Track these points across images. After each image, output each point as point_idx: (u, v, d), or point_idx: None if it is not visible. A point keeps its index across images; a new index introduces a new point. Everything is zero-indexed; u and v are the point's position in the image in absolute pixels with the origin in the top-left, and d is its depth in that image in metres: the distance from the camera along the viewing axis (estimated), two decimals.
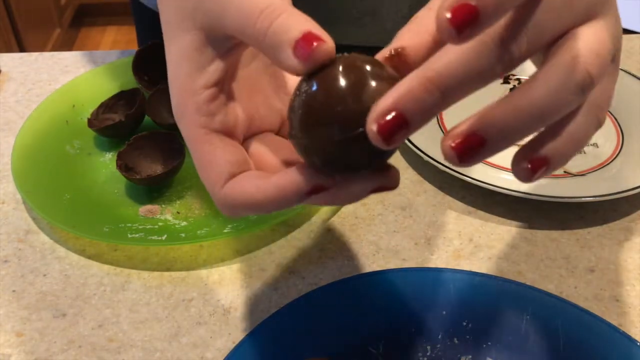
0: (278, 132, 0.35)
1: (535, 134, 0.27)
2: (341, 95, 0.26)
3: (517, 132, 0.25)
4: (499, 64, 0.24)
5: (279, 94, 0.35)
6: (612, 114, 0.62)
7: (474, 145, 0.25)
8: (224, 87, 0.31)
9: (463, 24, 0.22)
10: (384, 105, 0.24)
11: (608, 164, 0.55)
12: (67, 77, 0.69)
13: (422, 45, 0.28)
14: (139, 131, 0.56)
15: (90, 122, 0.58)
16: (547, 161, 0.27)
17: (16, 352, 0.42)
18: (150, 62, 0.63)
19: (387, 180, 0.28)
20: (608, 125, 0.60)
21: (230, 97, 0.32)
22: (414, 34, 0.28)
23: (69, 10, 2.63)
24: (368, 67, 0.26)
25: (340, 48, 0.27)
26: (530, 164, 0.27)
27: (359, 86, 0.26)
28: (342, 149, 0.26)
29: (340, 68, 0.26)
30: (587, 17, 0.26)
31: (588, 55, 0.25)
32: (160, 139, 0.54)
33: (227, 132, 0.32)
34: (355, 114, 0.25)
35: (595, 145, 0.58)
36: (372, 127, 0.24)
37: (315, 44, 0.26)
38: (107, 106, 0.60)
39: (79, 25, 2.76)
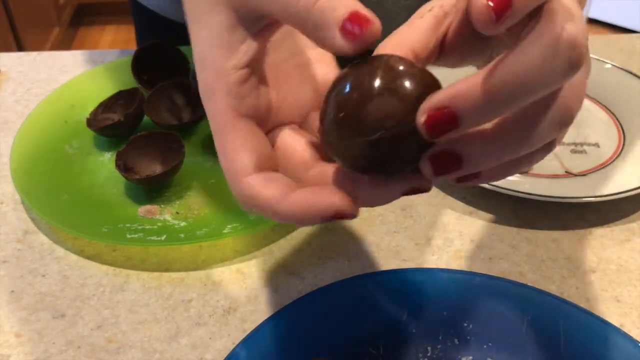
0: (301, 126, 0.34)
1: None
2: (382, 95, 0.25)
3: (491, 159, 0.26)
4: (569, 70, 0.24)
5: (304, 86, 0.34)
6: (613, 113, 0.61)
7: (452, 164, 0.26)
8: (254, 70, 0.30)
9: (501, 11, 0.23)
10: (439, 98, 0.24)
11: (609, 164, 0.55)
12: (66, 77, 0.69)
13: (414, 45, 0.28)
14: (138, 131, 0.56)
15: (89, 122, 0.58)
16: (477, 175, 0.28)
17: (15, 353, 0.42)
18: (149, 62, 0.62)
19: (421, 182, 0.28)
20: (609, 124, 0.60)
21: (261, 81, 0.31)
22: (398, 46, 0.28)
23: (67, 10, 2.63)
24: (407, 68, 0.26)
25: None
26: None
27: (400, 86, 0.26)
28: (379, 150, 0.26)
29: (381, 67, 0.26)
30: None
31: (573, 96, 0.25)
32: (159, 139, 0.54)
33: (257, 118, 0.30)
34: (397, 113, 0.25)
35: (597, 145, 0.58)
36: (421, 117, 0.25)
37: (365, 24, 0.25)
38: (106, 106, 0.59)
39: (78, 25, 2.76)
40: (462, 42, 0.30)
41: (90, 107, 0.60)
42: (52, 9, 2.47)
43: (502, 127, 0.25)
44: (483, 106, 0.24)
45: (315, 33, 0.26)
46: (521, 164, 0.28)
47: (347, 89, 0.26)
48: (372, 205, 0.29)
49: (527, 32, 0.24)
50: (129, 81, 0.63)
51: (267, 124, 0.32)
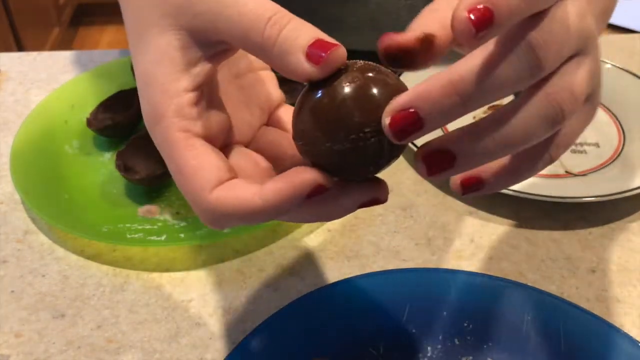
0: (247, 145, 0.34)
1: None
2: (352, 102, 0.26)
3: (482, 156, 0.26)
4: (527, 73, 0.25)
5: (250, 106, 0.34)
6: (613, 113, 0.61)
7: (444, 162, 0.26)
8: (205, 92, 0.30)
9: (481, 24, 0.23)
10: (401, 101, 0.25)
11: (609, 164, 0.55)
12: (66, 77, 0.69)
13: (445, 38, 0.28)
14: (138, 131, 0.56)
15: (89, 122, 0.58)
16: (480, 181, 0.28)
17: (15, 353, 0.41)
18: None
19: (380, 193, 0.29)
20: (609, 124, 0.60)
21: (210, 103, 0.31)
22: (440, 25, 0.28)
23: (67, 10, 2.63)
24: (376, 75, 0.26)
25: None
26: (462, 181, 0.28)
27: (369, 93, 0.26)
28: (351, 155, 0.26)
29: (349, 75, 0.26)
30: (575, 53, 0.26)
31: (562, 92, 0.26)
32: None
33: (208, 139, 0.30)
34: (365, 121, 0.26)
35: (597, 145, 0.58)
36: (386, 119, 0.25)
37: (331, 49, 0.26)
38: (106, 106, 0.59)
39: (78, 25, 2.76)
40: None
41: (90, 107, 0.60)
42: (52, 9, 2.46)
43: (489, 122, 0.26)
44: (444, 105, 0.24)
45: (281, 60, 0.27)
46: (521, 171, 0.28)
47: (318, 96, 0.27)
48: (330, 218, 0.29)
49: None
50: (128, 81, 0.63)
51: (218, 144, 0.31)
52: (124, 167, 0.52)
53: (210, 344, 0.42)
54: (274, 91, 0.35)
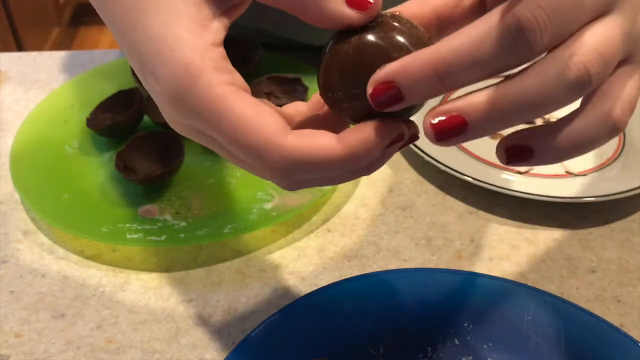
0: None
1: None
2: (389, 50, 0.26)
3: (500, 119, 0.25)
4: (514, 55, 0.24)
5: None
6: None
7: (456, 126, 0.25)
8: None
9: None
10: (382, 73, 0.25)
11: (610, 164, 0.55)
12: (66, 77, 0.69)
13: (425, 17, 0.28)
14: (138, 131, 0.56)
15: (89, 122, 0.58)
16: (530, 152, 0.26)
17: (15, 353, 0.41)
18: None
19: (416, 129, 0.28)
20: None
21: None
22: (417, 5, 0.28)
23: (67, 10, 2.63)
24: (405, 26, 0.27)
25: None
26: (506, 151, 0.27)
27: (400, 43, 0.26)
28: None
29: (378, 25, 0.27)
30: (597, 14, 0.25)
31: (589, 52, 0.24)
32: (159, 139, 0.54)
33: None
34: None
35: None
36: (369, 88, 0.25)
37: None
38: (106, 106, 0.59)
39: (78, 25, 2.76)
40: (481, 9, 0.29)
41: (90, 107, 0.60)
42: (52, 9, 2.46)
43: (504, 85, 0.25)
44: (423, 83, 0.24)
45: (317, 7, 0.26)
46: (579, 143, 0.26)
47: (345, 44, 0.27)
48: (373, 165, 0.28)
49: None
50: (129, 81, 0.63)
51: None
52: (124, 167, 0.52)
53: (210, 344, 0.42)
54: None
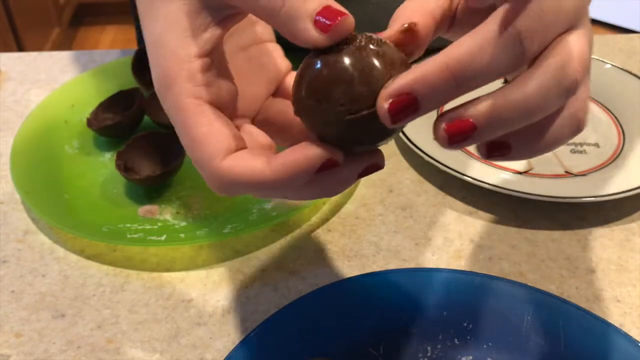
0: (253, 120, 0.34)
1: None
2: (358, 74, 0.26)
3: (505, 123, 0.26)
4: (514, 60, 0.25)
5: (257, 78, 0.34)
6: (613, 113, 0.61)
7: (466, 130, 0.26)
8: (215, 60, 0.30)
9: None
10: (399, 85, 0.25)
11: (609, 164, 0.55)
12: (66, 77, 0.69)
13: (427, 24, 0.29)
14: (138, 131, 0.56)
15: (90, 122, 0.58)
16: (508, 148, 0.28)
17: (15, 353, 0.41)
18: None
19: (378, 158, 0.29)
20: (609, 125, 0.60)
21: (220, 71, 0.30)
22: (419, 13, 0.28)
23: (67, 10, 2.63)
24: (381, 48, 0.27)
25: None
26: (487, 144, 0.28)
27: (373, 66, 0.26)
28: (354, 127, 0.27)
29: (355, 46, 0.26)
30: (570, 26, 0.27)
31: (576, 61, 0.26)
32: (159, 139, 0.54)
33: (217, 108, 0.30)
34: (370, 93, 0.26)
35: (597, 145, 0.58)
36: (383, 104, 0.25)
37: (339, 17, 0.26)
38: (106, 106, 0.59)
39: (78, 25, 2.76)
40: (472, 15, 0.31)
41: (91, 107, 0.60)
42: (52, 9, 2.46)
43: (507, 91, 0.26)
44: (441, 89, 0.25)
45: (288, 26, 0.27)
46: (549, 140, 0.28)
47: (320, 69, 0.27)
48: (330, 194, 0.29)
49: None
50: (129, 81, 0.63)
51: (225, 113, 0.31)
52: (124, 167, 0.52)
53: (211, 344, 0.42)
54: (281, 61, 0.35)
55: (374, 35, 0.27)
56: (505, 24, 0.25)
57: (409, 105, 0.25)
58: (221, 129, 0.29)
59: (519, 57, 0.25)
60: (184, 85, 0.28)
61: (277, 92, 0.35)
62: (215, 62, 0.30)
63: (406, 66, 0.27)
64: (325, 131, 0.27)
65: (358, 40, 0.27)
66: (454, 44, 0.25)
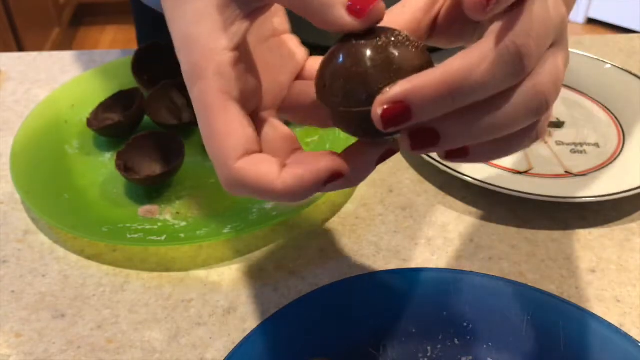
0: (278, 110, 0.35)
1: None
2: (375, 70, 0.26)
3: (467, 138, 0.27)
4: (513, 76, 0.26)
5: (280, 70, 0.34)
6: (613, 113, 0.61)
7: (429, 140, 0.27)
8: (243, 53, 0.30)
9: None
10: (394, 93, 0.26)
11: (609, 163, 0.55)
12: (66, 77, 0.69)
13: (406, 25, 0.30)
14: (138, 131, 0.56)
15: (90, 122, 0.58)
16: (465, 151, 0.29)
17: (15, 353, 0.42)
18: (149, 62, 0.62)
19: (394, 143, 0.30)
20: (609, 125, 0.60)
21: (248, 65, 0.31)
22: (393, 24, 0.29)
23: (67, 10, 2.63)
24: (404, 39, 0.27)
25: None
26: (446, 151, 0.29)
27: (393, 63, 0.27)
28: (370, 120, 0.27)
29: (377, 38, 0.27)
30: (553, 41, 0.27)
31: (547, 83, 0.27)
32: (159, 139, 0.54)
33: (243, 102, 0.30)
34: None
35: (597, 145, 0.58)
36: (377, 109, 0.26)
37: (373, 2, 0.27)
38: (107, 106, 0.59)
39: (78, 25, 2.76)
40: (453, 23, 0.31)
41: (91, 107, 0.60)
42: (52, 9, 2.47)
43: (477, 108, 0.27)
44: (435, 102, 0.25)
45: (322, 13, 0.27)
46: (507, 148, 0.29)
47: (346, 60, 0.27)
48: (354, 183, 0.30)
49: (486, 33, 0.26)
50: (129, 81, 0.63)
51: (249, 108, 0.31)
52: (124, 167, 0.52)
53: (211, 344, 0.42)
54: (299, 50, 0.35)
55: (397, 30, 0.28)
56: (502, 40, 0.25)
57: (402, 114, 0.26)
58: (240, 129, 0.29)
59: (518, 74, 0.26)
60: (212, 79, 0.29)
61: (299, 77, 0.36)
62: (242, 56, 0.30)
63: (427, 60, 0.27)
64: (343, 120, 0.28)
65: (381, 33, 0.27)
66: (452, 58, 0.26)
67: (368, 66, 0.27)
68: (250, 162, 0.29)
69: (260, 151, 0.30)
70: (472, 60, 0.25)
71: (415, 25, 0.30)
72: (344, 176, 0.28)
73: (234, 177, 0.29)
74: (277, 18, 0.35)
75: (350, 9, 0.27)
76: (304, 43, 0.32)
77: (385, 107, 0.26)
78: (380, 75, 0.26)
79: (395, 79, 0.26)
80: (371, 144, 0.29)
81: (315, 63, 0.35)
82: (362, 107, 0.27)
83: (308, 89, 0.34)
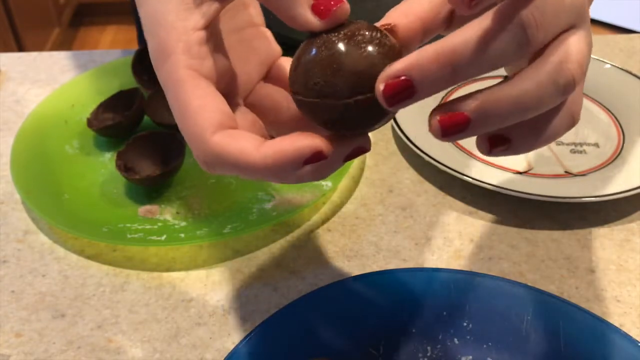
0: (245, 100, 0.34)
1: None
2: (350, 59, 0.27)
3: (499, 119, 0.27)
4: (515, 50, 0.25)
5: (249, 61, 0.34)
6: (613, 113, 0.61)
7: (460, 123, 0.26)
8: (213, 35, 0.30)
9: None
10: (395, 68, 0.25)
11: (609, 164, 0.55)
12: (66, 77, 0.69)
13: (411, 26, 0.29)
14: (139, 131, 0.56)
15: (90, 122, 0.58)
16: (508, 142, 0.28)
17: (15, 353, 0.42)
18: (149, 62, 0.62)
19: (364, 141, 0.29)
20: (609, 125, 0.60)
21: (217, 46, 0.31)
22: (404, 15, 0.29)
23: (68, 10, 2.63)
24: (375, 36, 0.27)
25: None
26: (489, 138, 0.28)
27: (366, 52, 0.27)
28: (348, 111, 0.27)
29: (350, 32, 0.27)
30: (571, 25, 0.27)
31: (574, 61, 0.26)
32: (159, 139, 0.54)
33: (214, 83, 0.30)
34: (360, 79, 0.26)
35: (597, 145, 0.58)
36: (379, 85, 0.26)
37: (337, 4, 0.27)
38: (107, 106, 0.59)
39: (78, 25, 2.76)
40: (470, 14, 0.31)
41: (91, 107, 0.60)
42: (52, 9, 2.46)
43: (504, 87, 0.26)
44: (437, 75, 0.25)
45: (287, 9, 0.28)
46: (544, 133, 0.28)
47: (318, 53, 0.27)
48: (319, 177, 0.29)
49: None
50: (129, 81, 0.63)
51: (220, 90, 0.31)
52: (124, 167, 0.52)
53: (210, 343, 0.42)
54: (273, 46, 0.36)
55: (370, 25, 0.28)
56: (507, 13, 0.25)
57: (405, 89, 0.25)
58: (214, 103, 0.29)
59: (522, 47, 0.25)
60: (180, 57, 0.29)
61: (268, 76, 0.36)
62: (212, 38, 0.30)
63: (400, 55, 0.27)
64: (317, 113, 0.28)
65: (354, 27, 0.27)
66: (455, 31, 0.25)
67: (341, 58, 0.27)
68: (228, 134, 0.28)
69: (236, 127, 0.29)
70: (471, 31, 0.25)
71: (433, 15, 0.30)
72: (326, 158, 0.27)
73: (212, 151, 0.28)
74: (253, 9, 0.35)
75: (315, 9, 0.27)
76: (297, 43, 0.32)
77: (387, 83, 0.26)
78: (352, 67, 0.26)
79: (368, 71, 0.26)
80: (341, 140, 0.29)
81: (287, 63, 0.35)
82: (335, 99, 0.27)
83: (275, 94, 0.34)
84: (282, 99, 0.34)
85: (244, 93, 0.34)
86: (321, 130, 0.28)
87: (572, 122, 0.29)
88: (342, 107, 0.27)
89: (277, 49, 0.36)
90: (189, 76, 0.29)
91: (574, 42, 0.27)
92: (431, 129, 0.27)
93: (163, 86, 0.29)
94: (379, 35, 0.27)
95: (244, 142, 0.28)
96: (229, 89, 0.32)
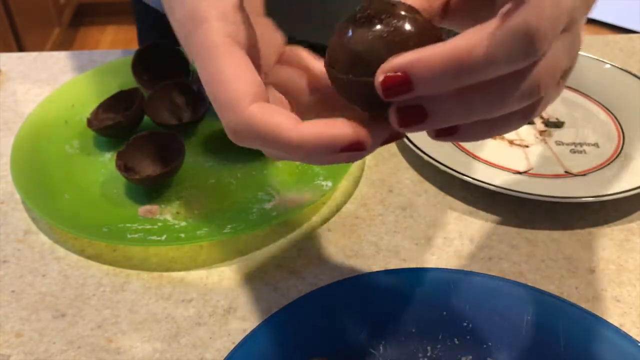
0: (266, 75, 0.34)
1: None
2: (385, 42, 0.27)
3: (454, 117, 0.26)
4: (521, 56, 0.25)
5: (269, 43, 0.33)
6: (613, 113, 0.61)
7: (417, 117, 0.26)
8: (243, 4, 0.29)
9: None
10: (395, 63, 0.25)
11: (609, 163, 0.55)
12: (66, 77, 0.69)
13: (418, 3, 0.29)
14: (139, 131, 0.56)
15: (90, 122, 0.58)
16: (455, 128, 0.28)
17: (15, 353, 0.42)
18: (149, 62, 0.62)
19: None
20: (609, 125, 0.60)
21: (246, 18, 0.30)
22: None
23: (68, 10, 2.63)
24: (416, 16, 0.27)
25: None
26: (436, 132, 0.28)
27: (410, 33, 0.27)
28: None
29: (394, 13, 0.27)
30: (564, 28, 0.27)
31: (544, 70, 0.26)
32: (159, 139, 0.54)
33: (248, 51, 0.29)
34: None
35: (597, 145, 0.58)
36: (379, 76, 0.26)
37: None
38: (107, 106, 0.59)
39: (78, 25, 2.76)
40: (466, 4, 0.31)
41: (91, 107, 0.60)
42: (53, 9, 2.47)
43: (468, 88, 0.26)
44: (437, 78, 0.25)
45: None
46: (496, 127, 0.28)
47: (358, 33, 0.27)
48: (354, 158, 0.28)
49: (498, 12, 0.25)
50: (129, 81, 0.63)
51: (257, 59, 0.30)
52: (124, 167, 0.52)
53: (210, 343, 0.42)
54: (278, 33, 0.35)
55: (410, 6, 0.28)
56: (510, 19, 0.25)
57: (402, 84, 0.25)
58: (250, 74, 0.28)
59: (529, 55, 0.25)
60: (215, 24, 0.28)
61: (281, 60, 0.35)
62: (244, 6, 0.29)
63: (438, 39, 0.27)
64: (354, 91, 0.28)
65: (394, 9, 0.27)
66: (460, 34, 0.25)
67: (375, 37, 0.27)
68: (266, 107, 0.27)
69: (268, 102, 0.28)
70: (477, 37, 0.25)
71: (427, 6, 0.30)
72: (365, 149, 0.27)
73: (246, 121, 0.27)
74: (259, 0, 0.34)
75: None
76: (303, 42, 0.31)
77: (386, 75, 0.25)
78: (386, 47, 0.26)
79: (401, 52, 0.26)
80: (377, 126, 0.28)
81: (297, 50, 0.35)
82: (366, 76, 0.27)
83: (295, 77, 0.33)
84: (303, 83, 0.33)
85: (269, 65, 0.33)
86: (352, 111, 0.28)
87: (524, 121, 0.28)
88: (373, 88, 0.27)
89: (282, 36, 0.35)
90: (225, 43, 0.28)
91: (552, 48, 0.26)
92: (389, 119, 0.27)
93: (194, 55, 0.28)
94: (418, 17, 0.27)
95: (282, 118, 0.27)
96: (256, 63, 0.31)
